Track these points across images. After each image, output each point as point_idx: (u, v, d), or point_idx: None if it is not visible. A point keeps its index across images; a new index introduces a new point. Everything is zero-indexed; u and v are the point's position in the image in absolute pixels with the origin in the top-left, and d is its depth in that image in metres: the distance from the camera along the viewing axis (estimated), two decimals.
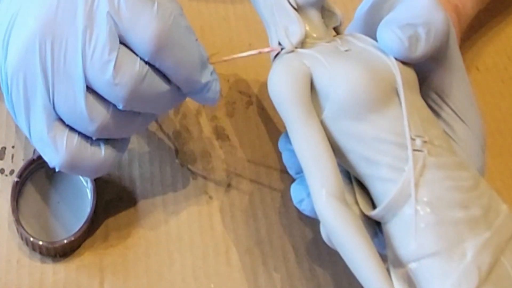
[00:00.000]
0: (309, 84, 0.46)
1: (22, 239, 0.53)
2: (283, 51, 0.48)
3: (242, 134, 0.61)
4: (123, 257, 0.54)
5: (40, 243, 0.51)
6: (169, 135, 0.60)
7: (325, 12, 0.51)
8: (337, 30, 0.52)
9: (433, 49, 0.47)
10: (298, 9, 0.49)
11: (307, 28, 0.49)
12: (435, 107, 0.50)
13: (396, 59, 0.46)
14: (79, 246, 0.53)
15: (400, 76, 0.46)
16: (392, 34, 0.46)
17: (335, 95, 0.45)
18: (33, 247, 0.52)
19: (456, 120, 0.50)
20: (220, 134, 0.61)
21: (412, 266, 0.42)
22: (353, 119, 0.45)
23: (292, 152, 0.46)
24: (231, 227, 0.56)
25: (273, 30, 0.49)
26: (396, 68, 0.46)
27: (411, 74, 0.47)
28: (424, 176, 0.43)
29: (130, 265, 0.53)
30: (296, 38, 0.48)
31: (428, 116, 0.47)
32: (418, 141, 0.44)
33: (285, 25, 0.48)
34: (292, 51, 0.47)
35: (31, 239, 0.51)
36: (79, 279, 0.52)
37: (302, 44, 0.48)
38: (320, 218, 0.43)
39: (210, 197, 0.57)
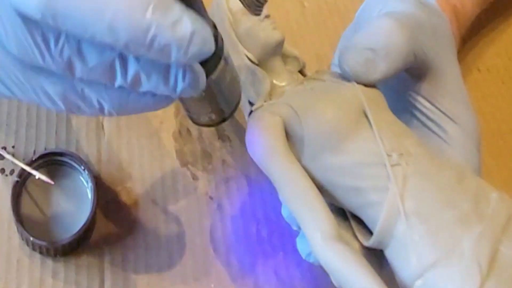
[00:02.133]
0: (284, 133, 0.47)
1: (22, 239, 0.53)
2: (254, 107, 0.49)
3: (243, 134, 0.61)
4: (123, 257, 0.54)
5: (40, 243, 0.51)
6: (169, 135, 0.60)
7: (287, 58, 0.53)
8: (302, 73, 0.53)
9: (394, 69, 0.48)
10: (259, 63, 0.50)
11: (273, 79, 0.50)
12: (424, 110, 0.51)
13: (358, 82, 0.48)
14: (79, 246, 0.53)
15: (364, 98, 0.46)
16: (350, 60, 0.48)
17: (308, 136, 0.46)
18: (33, 247, 0.52)
19: (446, 121, 0.50)
20: (220, 134, 0.61)
21: (418, 283, 0.42)
22: (330, 152, 0.45)
23: None
24: (231, 228, 0.56)
25: (242, 90, 0.50)
26: (359, 92, 0.47)
27: (376, 93, 0.48)
28: (407, 188, 0.44)
29: (130, 266, 0.53)
30: (263, 92, 0.49)
31: (400, 128, 0.47)
32: (395, 156, 0.45)
33: (251, 82, 0.50)
34: (262, 105, 0.49)
35: (31, 239, 0.51)
36: (79, 279, 0.52)
37: (271, 95, 0.49)
38: (321, 262, 0.43)
39: (211, 198, 0.57)
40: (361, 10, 0.55)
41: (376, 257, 0.46)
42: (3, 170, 0.56)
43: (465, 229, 0.42)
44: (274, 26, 0.51)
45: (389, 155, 0.44)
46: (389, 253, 0.45)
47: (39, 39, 0.35)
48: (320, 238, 0.43)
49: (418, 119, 0.51)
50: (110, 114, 0.39)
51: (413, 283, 0.43)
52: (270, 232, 0.56)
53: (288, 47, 0.53)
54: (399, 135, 0.46)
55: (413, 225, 0.43)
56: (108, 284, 0.52)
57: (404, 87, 0.51)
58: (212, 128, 0.61)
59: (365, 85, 0.48)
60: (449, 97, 0.50)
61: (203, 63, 0.39)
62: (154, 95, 0.38)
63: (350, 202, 0.46)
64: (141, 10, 0.33)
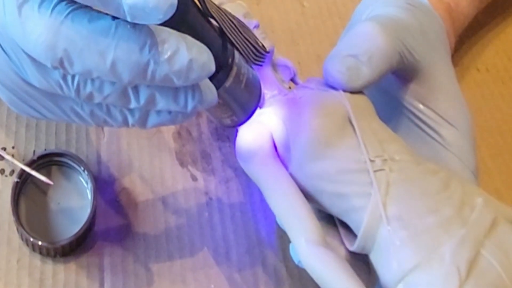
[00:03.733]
0: (271, 142, 0.48)
1: (22, 239, 0.53)
2: None
3: None
4: (123, 257, 0.54)
5: (40, 243, 0.51)
6: (169, 136, 0.60)
7: (279, 67, 0.53)
8: (294, 81, 0.54)
9: (379, 74, 0.48)
10: None
11: (263, 88, 0.51)
12: (417, 113, 0.51)
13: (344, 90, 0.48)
14: (79, 246, 0.53)
15: (349, 105, 0.47)
16: (332, 69, 0.48)
17: (294, 145, 0.47)
18: (33, 247, 0.52)
19: (443, 125, 0.50)
20: (220, 135, 0.61)
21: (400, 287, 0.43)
22: (316, 159, 0.46)
23: None
24: (231, 228, 0.56)
25: None
26: (344, 100, 0.47)
27: (362, 99, 0.49)
28: (390, 194, 0.44)
29: (130, 266, 0.53)
30: None
31: (386, 134, 0.48)
32: (378, 161, 0.45)
33: None
34: None
35: (31, 239, 0.51)
36: (79, 280, 0.52)
37: (262, 104, 0.50)
38: (305, 266, 0.44)
39: (210, 198, 0.57)
40: (354, 13, 0.55)
41: (364, 263, 0.46)
42: (3, 171, 0.56)
43: (447, 233, 0.42)
44: (264, 36, 0.51)
45: (372, 161, 0.45)
46: (372, 258, 0.45)
47: (55, 78, 0.38)
48: (304, 244, 0.44)
49: (413, 122, 0.51)
50: (134, 127, 0.41)
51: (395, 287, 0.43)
52: (269, 232, 0.56)
53: (281, 57, 0.54)
54: (384, 141, 0.46)
55: (394, 230, 0.43)
56: (108, 284, 0.52)
57: (397, 90, 0.52)
58: (211, 129, 0.61)
59: (352, 92, 0.48)
60: (442, 98, 0.50)
61: (213, 76, 0.40)
62: (170, 112, 0.40)
63: (336, 207, 0.46)
64: (138, 50, 0.35)
